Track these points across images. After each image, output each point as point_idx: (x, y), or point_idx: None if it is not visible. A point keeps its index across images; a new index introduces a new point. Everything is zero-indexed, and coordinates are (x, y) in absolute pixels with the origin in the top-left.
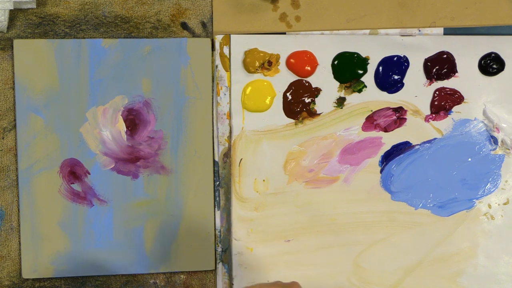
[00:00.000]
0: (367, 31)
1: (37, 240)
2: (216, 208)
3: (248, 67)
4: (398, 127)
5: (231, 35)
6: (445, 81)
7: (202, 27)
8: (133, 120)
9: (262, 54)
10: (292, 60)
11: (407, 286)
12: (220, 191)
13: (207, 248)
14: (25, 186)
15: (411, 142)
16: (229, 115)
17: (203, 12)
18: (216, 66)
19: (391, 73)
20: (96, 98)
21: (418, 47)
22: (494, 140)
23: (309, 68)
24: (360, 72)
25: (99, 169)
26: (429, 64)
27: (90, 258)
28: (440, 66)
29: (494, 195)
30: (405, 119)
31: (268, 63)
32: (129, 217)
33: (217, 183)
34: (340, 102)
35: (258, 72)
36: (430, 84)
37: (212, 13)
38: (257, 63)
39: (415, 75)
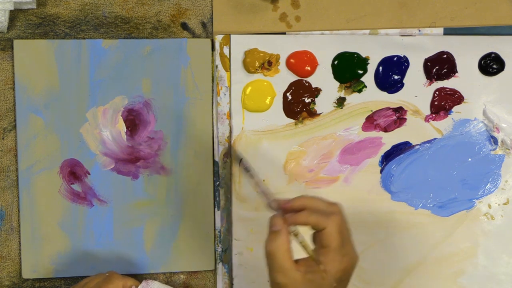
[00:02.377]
0: (367, 31)
1: (37, 240)
2: (216, 208)
3: (248, 67)
4: (398, 127)
5: (231, 35)
6: (445, 81)
7: (202, 27)
8: (133, 120)
9: (262, 54)
10: (292, 60)
11: (407, 286)
12: (220, 191)
13: (207, 248)
14: (25, 186)
15: (411, 142)
16: (229, 115)
17: (203, 12)
18: (216, 66)
19: (391, 73)
20: (96, 98)
21: (418, 47)
22: (494, 140)
23: (309, 68)
24: (360, 72)
25: (99, 170)
26: (429, 64)
27: (90, 258)
28: (440, 66)
29: (494, 195)
30: (405, 119)
31: (268, 63)
32: (129, 217)
33: (217, 183)
34: (340, 102)
35: (258, 72)
36: (430, 84)
37: (212, 13)
38: (257, 63)
39: (415, 75)
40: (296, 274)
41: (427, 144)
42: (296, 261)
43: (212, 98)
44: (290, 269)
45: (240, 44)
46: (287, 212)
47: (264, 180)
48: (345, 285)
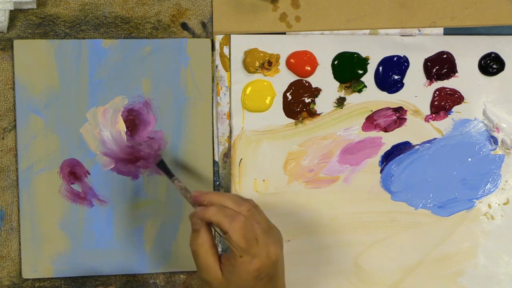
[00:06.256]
0: (367, 31)
1: (37, 240)
2: None
3: (248, 67)
4: (398, 127)
5: (231, 35)
6: (445, 81)
7: (202, 27)
8: (133, 120)
9: (262, 54)
10: (292, 60)
11: (407, 286)
12: (220, 191)
13: None
14: (25, 186)
15: (411, 142)
16: (229, 115)
17: (203, 12)
18: (216, 66)
19: (391, 73)
20: (96, 98)
21: (418, 47)
22: (494, 140)
23: (309, 68)
24: (360, 72)
25: (99, 170)
26: (429, 64)
27: (90, 258)
28: (440, 66)
29: (494, 195)
30: (405, 119)
31: (268, 63)
32: (129, 217)
33: (217, 183)
34: (340, 102)
35: (258, 72)
36: (430, 84)
37: (212, 13)
38: (257, 63)
39: (415, 75)
40: (218, 272)
41: (427, 144)
42: (221, 257)
43: (212, 98)
44: (212, 267)
45: (240, 44)
46: (200, 205)
47: (264, 180)
48: (274, 281)
